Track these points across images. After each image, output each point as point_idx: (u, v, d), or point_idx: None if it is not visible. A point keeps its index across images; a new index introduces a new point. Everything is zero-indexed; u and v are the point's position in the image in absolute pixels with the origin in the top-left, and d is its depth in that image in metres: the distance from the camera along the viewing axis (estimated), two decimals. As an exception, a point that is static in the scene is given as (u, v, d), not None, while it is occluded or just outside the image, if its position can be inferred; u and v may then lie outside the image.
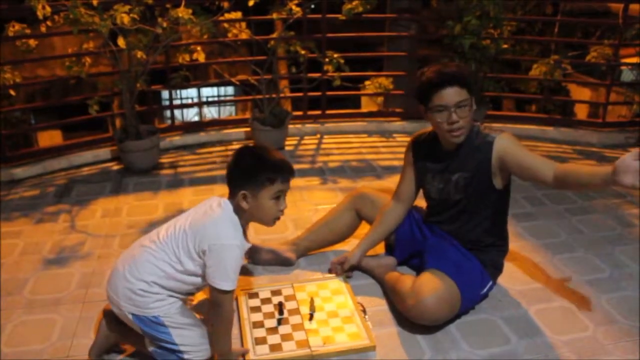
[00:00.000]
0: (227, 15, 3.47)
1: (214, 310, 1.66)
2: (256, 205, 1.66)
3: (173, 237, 1.66)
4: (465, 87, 1.87)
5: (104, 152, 3.65)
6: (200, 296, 1.94)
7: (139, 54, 3.21)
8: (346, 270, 2.25)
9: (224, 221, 1.64)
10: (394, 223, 2.25)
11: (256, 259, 2.36)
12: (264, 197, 1.65)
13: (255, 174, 1.63)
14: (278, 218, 1.73)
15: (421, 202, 2.30)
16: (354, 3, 3.52)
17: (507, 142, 1.90)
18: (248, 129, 3.95)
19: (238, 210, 1.67)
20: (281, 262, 2.35)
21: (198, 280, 1.69)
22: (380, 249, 2.45)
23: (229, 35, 3.63)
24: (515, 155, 1.86)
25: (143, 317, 1.66)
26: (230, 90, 9.14)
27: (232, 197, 1.68)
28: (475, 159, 1.95)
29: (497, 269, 2.13)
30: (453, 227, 2.11)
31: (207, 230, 1.62)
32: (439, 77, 1.86)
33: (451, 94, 1.85)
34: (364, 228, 2.43)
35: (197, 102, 5.31)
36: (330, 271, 2.31)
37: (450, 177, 2.03)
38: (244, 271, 2.34)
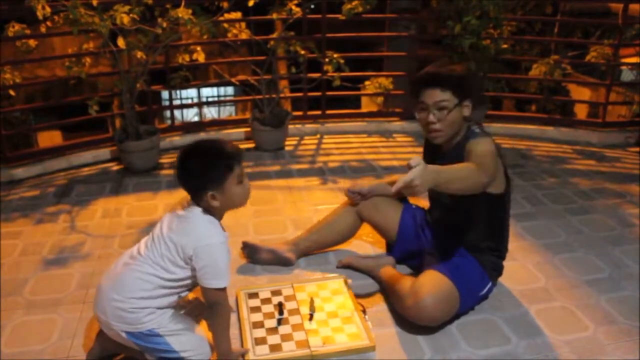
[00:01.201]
0: (227, 16, 3.46)
1: (213, 310, 1.65)
2: (226, 198, 1.63)
3: (154, 248, 1.65)
4: (450, 90, 1.87)
5: (104, 153, 3.65)
6: (191, 296, 1.93)
7: (139, 54, 3.21)
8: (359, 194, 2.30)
9: (199, 222, 1.63)
10: None
11: (256, 259, 2.36)
12: (230, 187, 1.62)
13: (213, 171, 1.60)
14: (248, 197, 1.71)
15: (423, 203, 2.30)
16: (353, 3, 3.51)
17: (474, 147, 1.84)
18: (248, 129, 3.94)
19: (209, 209, 1.65)
20: (281, 262, 2.35)
21: (188, 281, 1.68)
22: (381, 248, 2.45)
23: (229, 35, 3.63)
24: (470, 160, 1.78)
25: (137, 333, 1.65)
26: (230, 90, 9.12)
27: (196, 200, 1.65)
28: (455, 161, 1.89)
29: (497, 271, 2.12)
30: (450, 229, 2.10)
31: (187, 237, 1.60)
32: (424, 76, 1.92)
33: (431, 94, 1.89)
34: (365, 229, 2.44)
35: (197, 102, 5.30)
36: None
37: None
38: (244, 271, 2.34)
